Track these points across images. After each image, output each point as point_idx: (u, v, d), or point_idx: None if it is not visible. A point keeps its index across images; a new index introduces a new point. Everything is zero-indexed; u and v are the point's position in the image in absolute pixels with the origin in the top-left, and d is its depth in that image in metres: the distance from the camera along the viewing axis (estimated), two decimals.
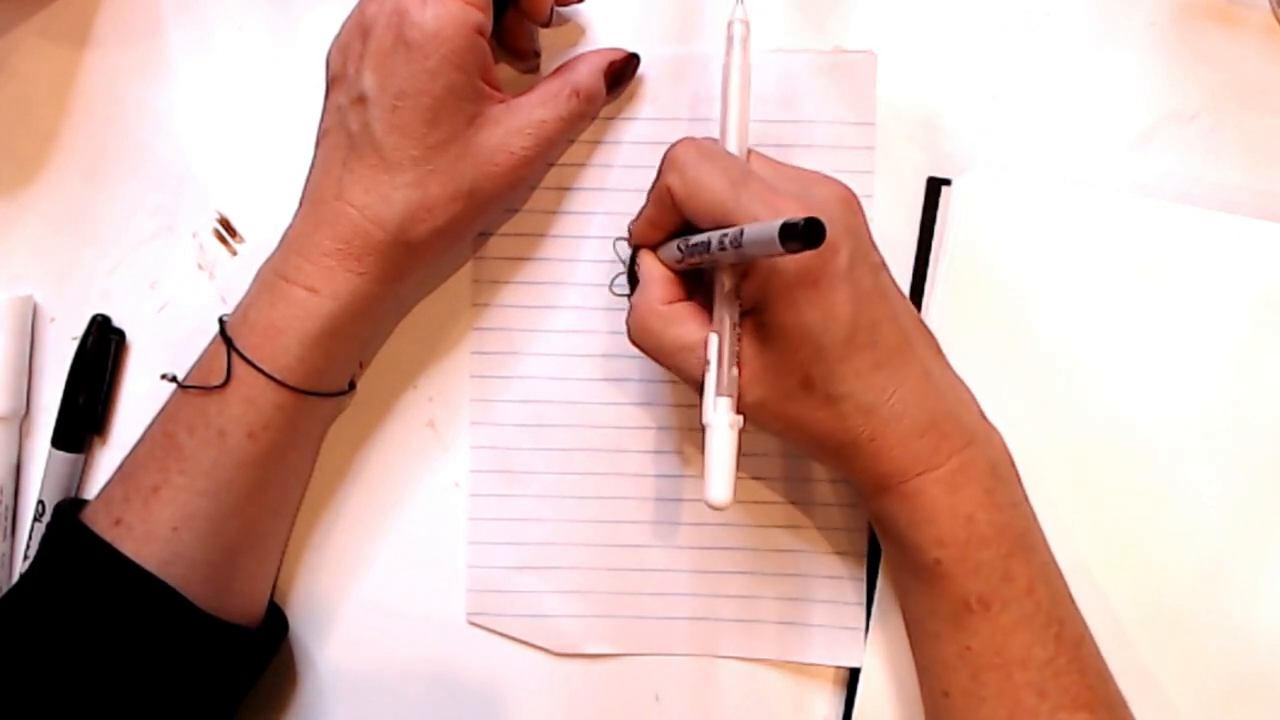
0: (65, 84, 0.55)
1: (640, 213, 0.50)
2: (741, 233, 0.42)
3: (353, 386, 0.53)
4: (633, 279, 0.51)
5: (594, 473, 0.54)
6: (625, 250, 0.54)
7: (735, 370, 0.45)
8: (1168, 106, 0.54)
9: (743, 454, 0.53)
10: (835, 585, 0.54)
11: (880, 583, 0.53)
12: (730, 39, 0.49)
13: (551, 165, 0.54)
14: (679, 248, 0.47)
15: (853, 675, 0.54)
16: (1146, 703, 0.50)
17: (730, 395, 0.45)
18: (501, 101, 0.49)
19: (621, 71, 0.52)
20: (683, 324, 0.47)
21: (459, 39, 0.46)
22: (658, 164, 0.53)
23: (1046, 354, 0.52)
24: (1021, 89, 0.54)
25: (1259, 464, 0.52)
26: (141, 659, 0.47)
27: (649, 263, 0.49)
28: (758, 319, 0.45)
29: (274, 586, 0.54)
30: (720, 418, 0.45)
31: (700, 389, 0.46)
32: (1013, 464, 0.49)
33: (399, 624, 0.54)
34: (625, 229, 0.53)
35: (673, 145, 0.47)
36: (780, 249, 0.39)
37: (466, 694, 0.54)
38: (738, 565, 0.54)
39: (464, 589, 0.54)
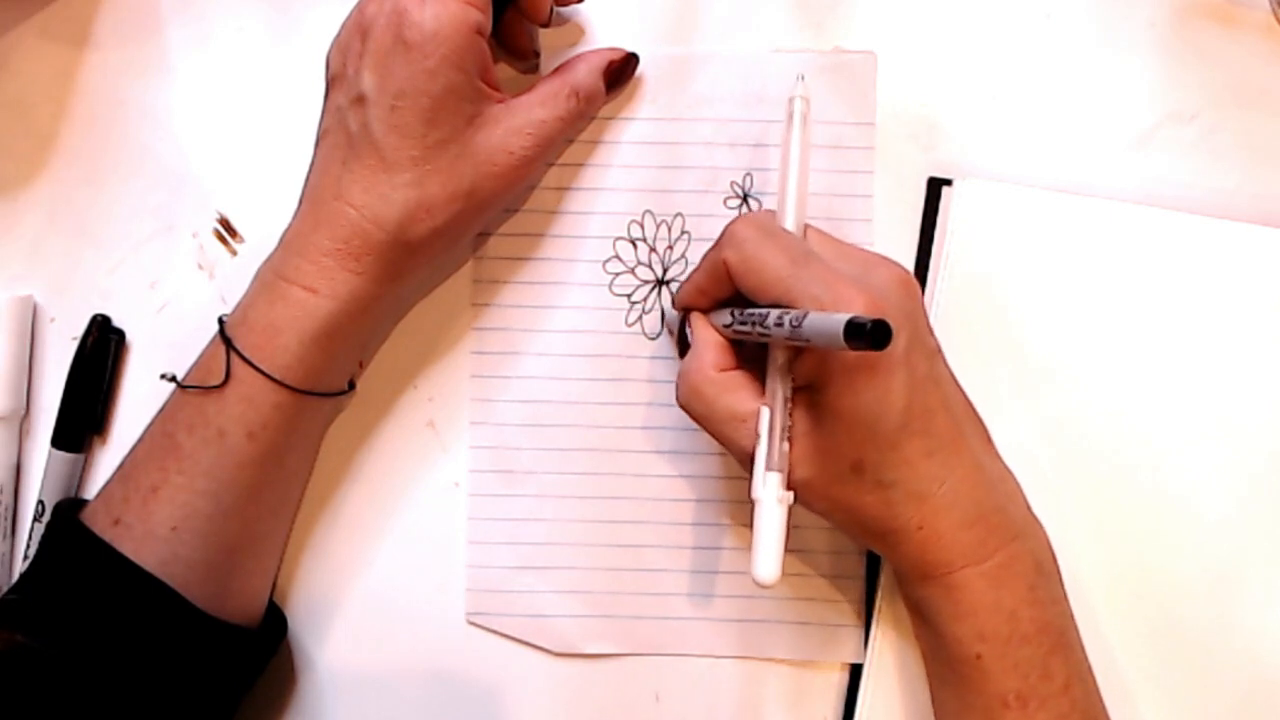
0: (65, 84, 0.55)
1: (690, 278, 0.50)
2: (803, 318, 0.41)
3: (352, 386, 0.53)
4: (682, 341, 0.51)
5: (594, 473, 0.54)
6: (671, 312, 0.53)
7: (786, 445, 0.45)
8: (1168, 107, 0.54)
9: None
10: (834, 584, 0.54)
11: (881, 580, 0.53)
12: (790, 115, 0.49)
13: (551, 165, 0.54)
14: (732, 314, 0.47)
15: (853, 674, 0.54)
16: (1158, 716, 0.50)
17: (781, 470, 0.45)
18: (501, 101, 0.49)
19: (620, 71, 0.52)
20: (734, 393, 0.47)
21: (458, 39, 0.46)
22: (658, 164, 0.53)
23: (1047, 358, 0.52)
24: (1021, 89, 0.54)
25: (1262, 470, 0.51)
26: (140, 659, 0.47)
27: (703, 327, 0.49)
28: (810, 397, 0.45)
29: (273, 586, 0.54)
30: (769, 493, 0.44)
31: (748, 461, 0.45)
32: (1054, 559, 0.48)
33: (399, 624, 0.54)
34: (612, 246, 0.54)
35: (732, 221, 0.47)
36: (843, 344, 0.38)
37: (466, 694, 0.54)
38: (737, 565, 0.54)
39: (463, 589, 0.54)
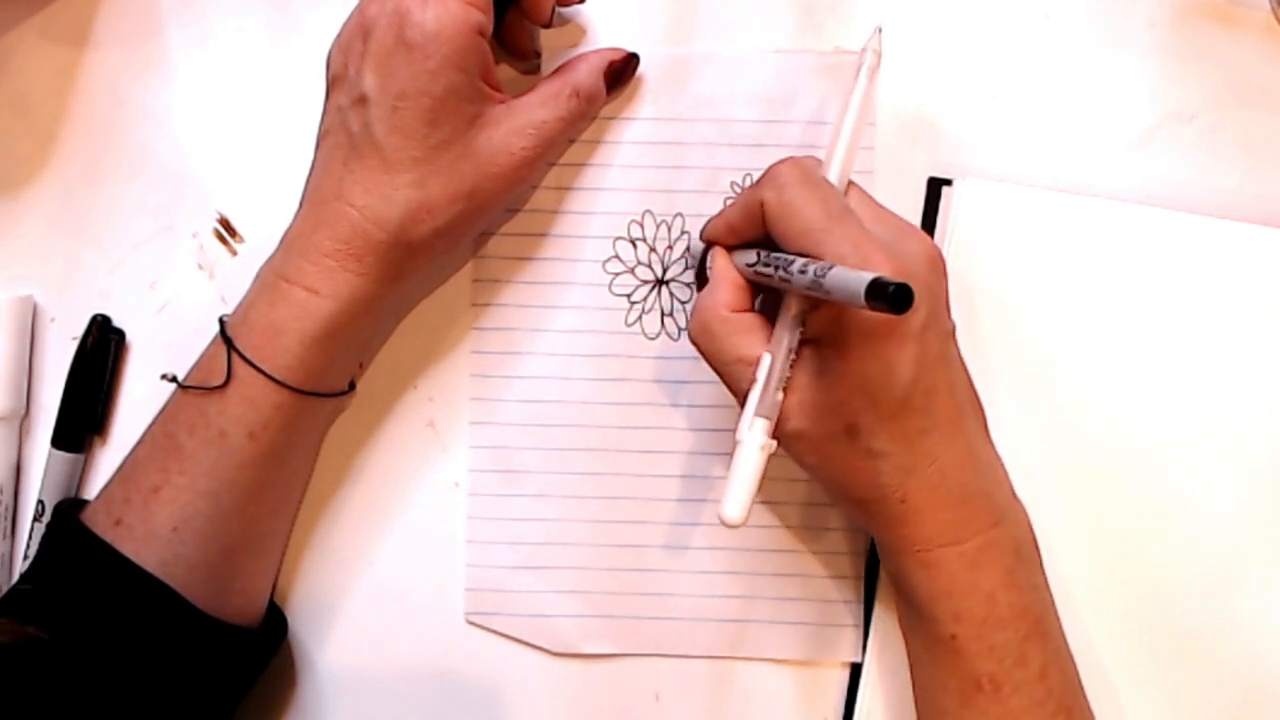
0: (65, 84, 0.55)
1: (721, 213, 0.50)
2: (828, 270, 0.41)
3: (353, 387, 0.53)
4: (700, 275, 0.50)
5: (593, 473, 0.54)
6: (696, 243, 0.53)
7: (780, 395, 0.45)
8: (1168, 107, 0.54)
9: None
10: (834, 583, 0.54)
11: (881, 580, 0.53)
12: (860, 66, 0.49)
13: (551, 165, 0.54)
14: (758, 254, 0.47)
15: (854, 673, 0.54)
16: (1155, 716, 0.50)
17: (769, 418, 0.45)
18: (502, 102, 0.49)
19: (621, 71, 0.52)
20: (743, 335, 0.47)
21: (460, 40, 0.46)
22: (658, 164, 0.53)
23: (1047, 357, 0.52)
24: (1021, 89, 0.54)
25: (1262, 470, 0.51)
26: (140, 660, 0.47)
27: (723, 265, 0.49)
28: (819, 352, 0.45)
29: (274, 586, 0.54)
30: (753, 438, 0.44)
31: (744, 404, 0.46)
32: (1036, 545, 0.48)
33: (398, 624, 0.54)
34: (612, 246, 0.54)
35: (777, 162, 0.47)
36: (863, 303, 0.38)
37: (466, 694, 0.54)
38: (736, 564, 0.54)
39: (463, 588, 0.54)
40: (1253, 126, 0.54)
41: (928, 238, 0.47)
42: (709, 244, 0.51)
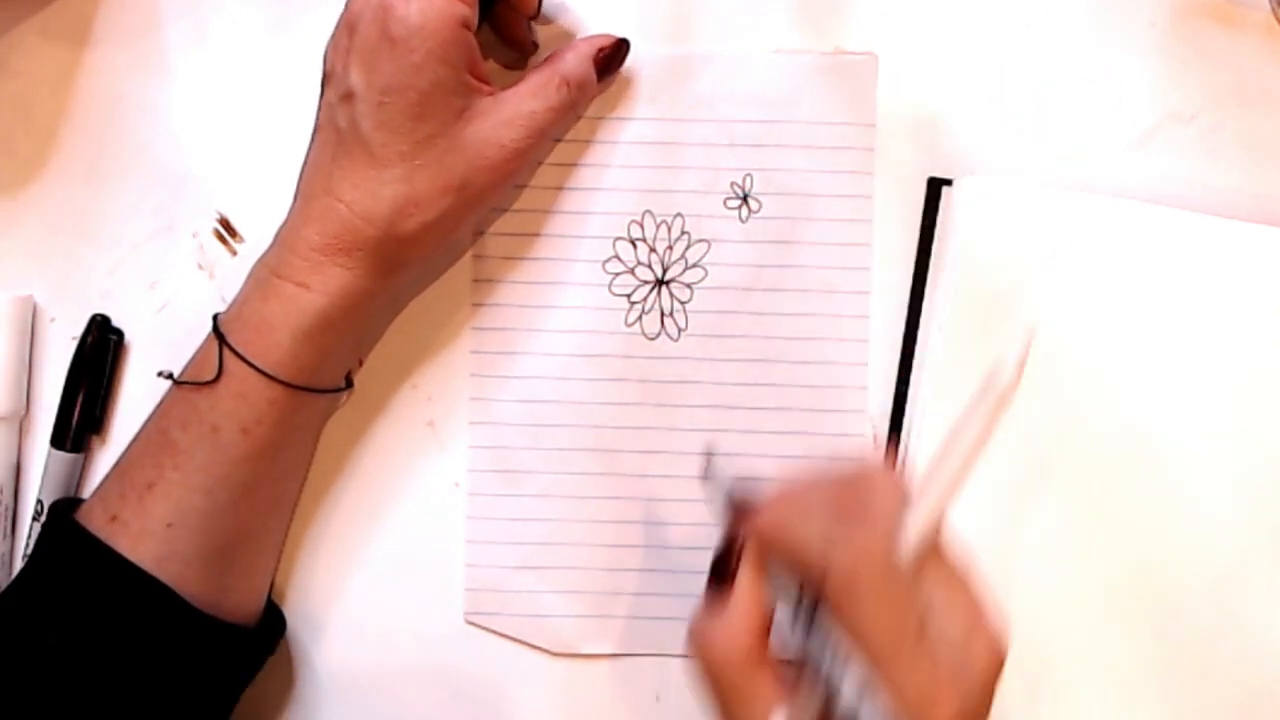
0: (65, 84, 0.55)
1: (766, 511, 0.42)
2: (870, 709, 0.37)
3: (350, 384, 0.53)
4: (718, 569, 0.44)
5: (593, 472, 0.54)
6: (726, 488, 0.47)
7: None
8: (1168, 107, 0.54)
9: (740, 454, 0.53)
10: None
11: None
12: (986, 390, 0.39)
13: (550, 165, 0.54)
14: (798, 612, 0.41)
15: None
16: (1159, 716, 0.50)
17: None
18: (490, 94, 0.49)
19: (611, 58, 0.52)
20: (759, 687, 0.40)
21: (444, 33, 0.46)
22: (658, 164, 0.53)
23: (1047, 356, 0.52)
24: (1021, 89, 0.54)
25: (1263, 470, 0.51)
26: (136, 658, 0.47)
27: (750, 587, 0.42)
28: None
29: (272, 585, 0.54)
30: None
31: None
32: None
33: (397, 623, 0.54)
34: (612, 246, 0.54)
35: (852, 546, 0.38)
36: None
37: (465, 693, 0.54)
38: None
39: (462, 588, 0.54)
40: (1253, 126, 0.54)
41: (994, 633, 0.39)
42: (732, 531, 0.44)
